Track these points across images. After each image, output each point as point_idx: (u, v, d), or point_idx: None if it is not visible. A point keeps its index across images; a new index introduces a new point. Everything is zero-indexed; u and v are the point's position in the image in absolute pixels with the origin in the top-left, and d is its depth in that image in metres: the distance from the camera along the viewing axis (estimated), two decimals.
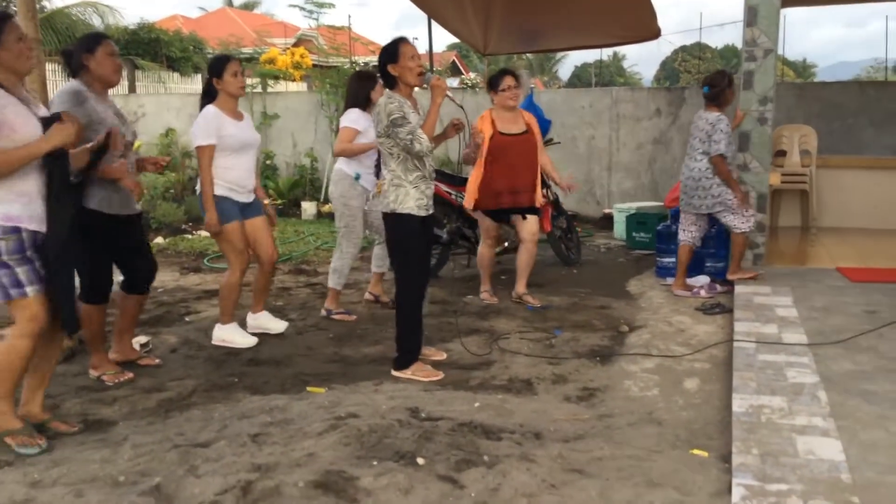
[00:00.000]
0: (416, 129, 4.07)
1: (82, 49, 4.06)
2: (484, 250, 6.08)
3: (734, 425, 3.30)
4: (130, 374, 4.27)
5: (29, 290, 3.24)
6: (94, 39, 4.10)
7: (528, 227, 5.90)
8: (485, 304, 5.90)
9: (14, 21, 3.30)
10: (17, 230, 3.19)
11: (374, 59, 17.21)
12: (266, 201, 5.15)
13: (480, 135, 5.39)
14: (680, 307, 5.64)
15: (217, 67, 4.75)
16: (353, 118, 5.44)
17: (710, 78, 5.98)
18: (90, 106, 3.96)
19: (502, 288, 6.50)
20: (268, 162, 11.36)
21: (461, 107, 4.44)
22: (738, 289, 5.64)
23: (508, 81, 5.71)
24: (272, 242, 5.08)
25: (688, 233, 6.00)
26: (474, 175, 5.77)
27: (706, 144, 5.73)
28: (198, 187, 4.82)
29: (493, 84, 5.84)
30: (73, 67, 4.07)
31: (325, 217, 10.60)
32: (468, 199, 5.83)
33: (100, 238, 4.07)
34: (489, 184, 5.70)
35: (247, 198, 4.87)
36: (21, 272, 3.22)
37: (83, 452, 3.26)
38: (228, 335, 4.92)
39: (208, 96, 4.80)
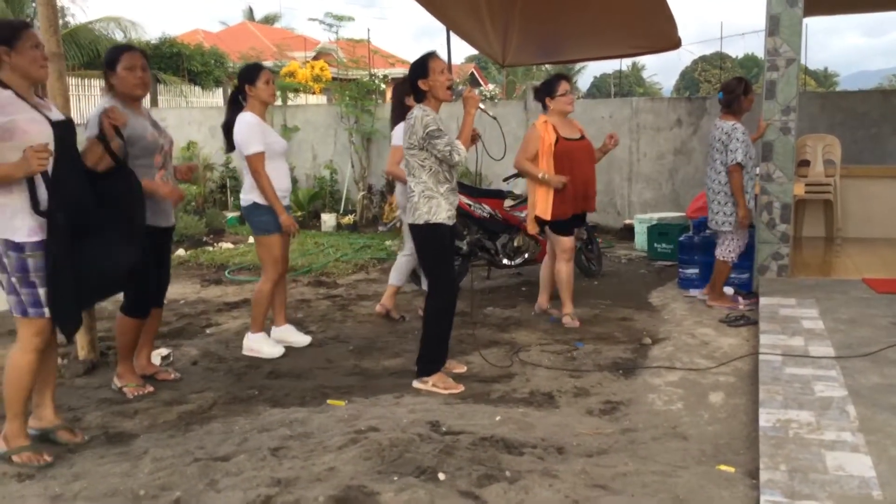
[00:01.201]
0: (454, 140, 4.10)
1: (105, 66, 4.11)
2: (562, 266, 5.70)
3: (761, 440, 3.23)
4: (151, 388, 4.27)
5: (46, 311, 3.25)
6: (115, 55, 4.10)
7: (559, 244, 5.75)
8: (506, 317, 5.86)
9: (32, 30, 3.31)
10: (42, 245, 3.20)
11: (393, 72, 17.30)
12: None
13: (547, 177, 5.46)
14: (703, 319, 5.57)
15: (250, 75, 4.80)
16: (400, 136, 5.44)
17: (726, 84, 5.95)
18: (128, 124, 3.96)
19: (523, 300, 6.46)
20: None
21: (494, 118, 4.44)
22: (763, 301, 5.56)
23: (565, 86, 5.57)
24: (287, 253, 5.15)
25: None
26: (542, 189, 5.54)
27: (723, 154, 5.67)
28: (248, 197, 4.83)
29: (548, 90, 5.61)
30: (107, 84, 4.12)
31: (345, 229, 10.63)
32: (543, 212, 5.55)
33: (146, 250, 4.08)
34: (562, 193, 5.51)
35: (286, 202, 4.96)
36: (43, 293, 3.23)
37: (104, 466, 3.26)
38: (257, 345, 4.95)
39: (236, 103, 4.84)
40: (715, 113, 9.33)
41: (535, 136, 5.49)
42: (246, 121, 4.75)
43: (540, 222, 5.67)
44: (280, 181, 4.85)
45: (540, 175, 5.44)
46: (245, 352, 4.97)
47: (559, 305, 5.85)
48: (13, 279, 3.22)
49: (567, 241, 5.67)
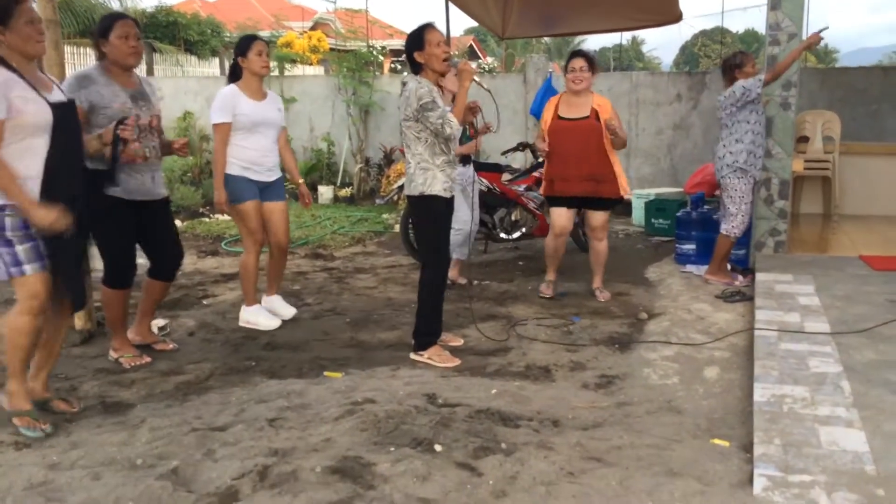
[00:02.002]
0: (447, 113, 4.06)
1: (97, 33, 4.05)
2: (548, 240, 5.77)
3: (756, 415, 3.25)
4: (148, 359, 4.28)
5: (28, 268, 3.23)
6: (108, 23, 4.04)
7: (592, 221, 5.66)
8: (503, 290, 5.86)
9: (26, 4, 3.26)
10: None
11: (391, 43, 17.16)
12: (300, 180, 5.26)
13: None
14: (700, 294, 5.58)
15: (243, 46, 4.80)
16: None
17: (723, 61, 5.93)
18: (94, 90, 3.92)
19: (519, 274, 6.47)
20: (275, 150, 11.33)
21: (489, 91, 4.41)
22: (760, 276, 5.57)
23: (574, 63, 5.45)
24: (286, 229, 5.09)
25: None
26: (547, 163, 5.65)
27: (733, 106, 5.57)
28: None
29: (566, 66, 5.58)
30: (98, 52, 4.06)
31: (342, 201, 10.60)
32: (543, 187, 5.70)
33: (118, 224, 4.05)
34: (551, 168, 5.55)
35: (267, 176, 4.90)
36: (21, 250, 3.21)
37: (101, 435, 3.27)
38: (253, 317, 4.95)
39: (234, 76, 4.83)
40: (715, 88, 9.31)
41: (544, 116, 5.60)
42: (221, 91, 4.76)
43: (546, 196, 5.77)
44: (250, 154, 4.78)
45: (536, 143, 5.50)
46: (241, 324, 4.97)
47: (560, 279, 5.86)
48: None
49: (556, 218, 5.67)
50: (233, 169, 4.74)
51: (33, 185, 3.21)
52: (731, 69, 5.68)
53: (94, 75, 3.97)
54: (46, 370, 3.58)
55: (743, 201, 5.69)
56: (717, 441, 3.20)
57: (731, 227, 5.75)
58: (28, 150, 3.19)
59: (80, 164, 3.46)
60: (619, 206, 9.63)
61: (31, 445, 3.18)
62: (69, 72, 4.58)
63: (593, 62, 5.54)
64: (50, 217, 3.15)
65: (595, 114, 5.45)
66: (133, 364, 4.19)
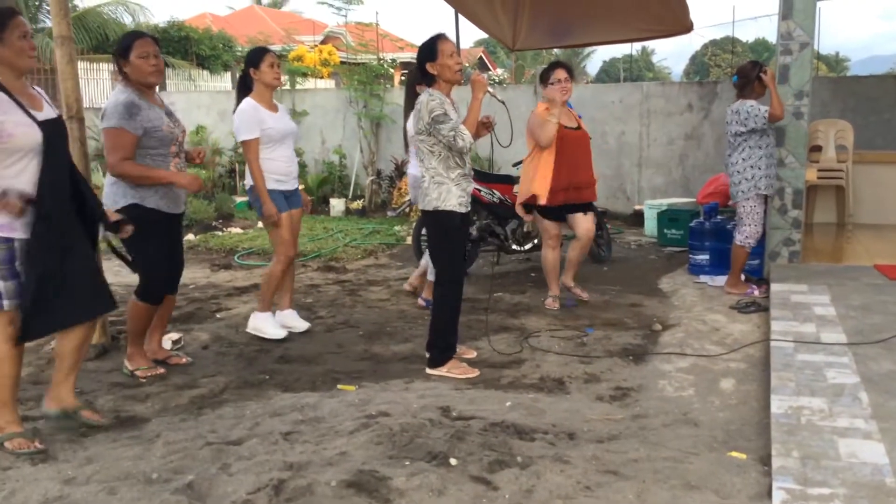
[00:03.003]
0: (459, 125, 4.05)
1: (117, 54, 4.07)
2: (547, 253, 5.80)
3: (773, 427, 3.22)
4: (162, 370, 4.29)
5: (6, 303, 3.19)
6: (127, 44, 4.06)
7: (584, 223, 5.72)
8: (516, 302, 5.85)
9: (20, 18, 3.25)
10: (9, 240, 3.17)
11: (402, 56, 17.24)
12: (301, 187, 5.27)
13: (553, 115, 5.44)
14: (714, 305, 5.55)
15: (254, 58, 4.82)
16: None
17: (740, 68, 5.89)
18: (143, 115, 3.97)
19: (532, 285, 6.46)
20: (297, 159, 11.38)
21: (502, 102, 4.41)
22: (774, 287, 5.54)
23: (559, 74, 5.55)
24: (297, 238, 5.15)
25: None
26: (542, 171, 5.56)
27: (743, 125, 5.56)
28: (246, 181, 4.90)
29: (543, 77, 5.67)
30: (120, 71, 4.09)
31: (354, 214, 10.62)
32: (542, 196, 5.58)
33: (159, 237, 4.08)
34: (556, 178, 5.53)
35: (291, 185, 4.96)
36: (4, 287, 3.18)
37: (116, 449, 3.27)
38: (262, 324, 4.97)
39: (244, 89, 4.85)
40: (726, 98, 9.30)
41: (539, 116, 5.54)
42: (241, 108, 4.77)
43: (528, 207, 5.73)
44: (279, 166, 4.84)
45: (550, 118, 5.46)
46: (249, 329, 5.00)
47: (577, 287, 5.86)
48: None
49: (551, 228, 5.73)
50: (268, 183, 4.77)
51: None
52: (752, 80, 5.63)
53: (136, 101, 3.99)
54: (73, 379, 3.55)
55: (759, 215, 5.71)
56: (734, 454, 3.17)
57: (745, 237, 5.73)
58: (14, 172, 3.17)
59: (66, 181, 3.36)
60: (632, 218, 9.69)
61: (46, 461, 3.19)
62: (83, 87, 4.62)
63: (573, 72, 5.77)
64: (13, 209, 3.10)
65: (580, 124, 5.77)
66: (148, 375, 4.20)
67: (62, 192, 3.32)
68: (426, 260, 5.90)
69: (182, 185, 4.08)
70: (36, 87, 3.45)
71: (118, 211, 3.83)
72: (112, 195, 3.99)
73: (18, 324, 3.24)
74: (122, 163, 3.91)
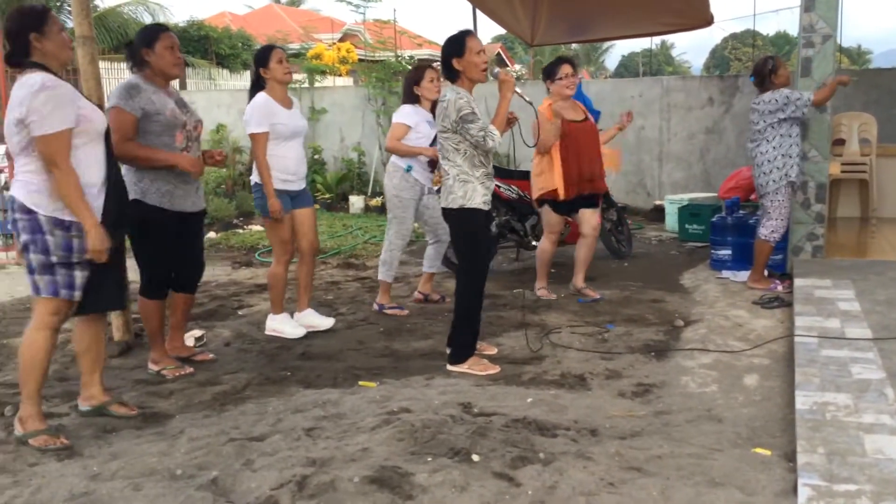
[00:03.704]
0: (488, 125, 4.04)
1: (141, 43, 4.07)
2: (546, 245, 5.91)
3: (798, 423, 3.19)
4: (191, 369, 4.30)
5: (77, 294, 3.30)
6: (153, 33, 4.10)
7: (591, 220, 5.78)
8: (536, 299, 5.84)
9: (53, 13, 3.35)
10: (69, 226, 3.24)
11: (419, 53, 17.19)
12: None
13: (555, 122, 5.45)
14: (737, 301, 5.51)
15: (262, 57, 4.82)
16: (405, 113, 5.47)
17: (755, 65, 5.87)
18: (145, 98, 3.97)
19: (553, 282, 6.43)
20: (315, 157, 11.42)
21: (530, 103, 4.39)
22: (798, 282, 5.48)
23: (565, 70, 5.61)
24: (315, 233, 5.14)
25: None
26: (556, 166, 5.58)
27: (773, 116, 5.52)
28: (252, 177, 4.87)
29: (549, 73, 5.71)
30: (135, 62, 4.09)
31: (373, 211, 10.63)
32: (560, 189, 5.60)
33: (159, 234, 4.09)
34: (567, 172, 5.56)
35: (298, 185, 4.93)
36: (80, 276, 3.28)
37: (141, 445, 3.30)
38: (279, 325, 4.98)
39: (257, 87, 4.84)
40: (747, 91, 9.21)
41: (542, 117, 5.52)
42: (254, 101, 4.77)
43: (541, 201, 5.75)
44: (287, 164, 4.80)
45: (550, 126, 5.48)
46: (267, 332, 5.01)
47: (592, 286, 5.84)
48: (53, 258, 3.22)
49: (557, 221, 5.79)
50: (273, 183, 4.73)
51: (98, 193, 3.29)
52: (768, 75, 5.61)
53: (140, 84, 4.01)
54: (98, 373, 3.61)
55: (787, 209, 5.67)
56: (758, 450, 3.15)
57: (770, 231, 5.69)
58: (92, 156, 3.29)
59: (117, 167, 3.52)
60: (652, 213, 9.64)
61: (72, 456, 3.22)
62: (104, 86, 4.65)
63: (577, 67, 5.85)
64: (103, 245, 3.21)
65: (587, 115, 5.79)
66: (176, 375, 4.23)
67: (118, 178, 3.46)
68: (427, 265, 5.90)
69: (184, 168, 4.01)
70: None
71: None
72: None
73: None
74: (124, 143, 3.87)
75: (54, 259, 3.23)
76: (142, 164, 3.98)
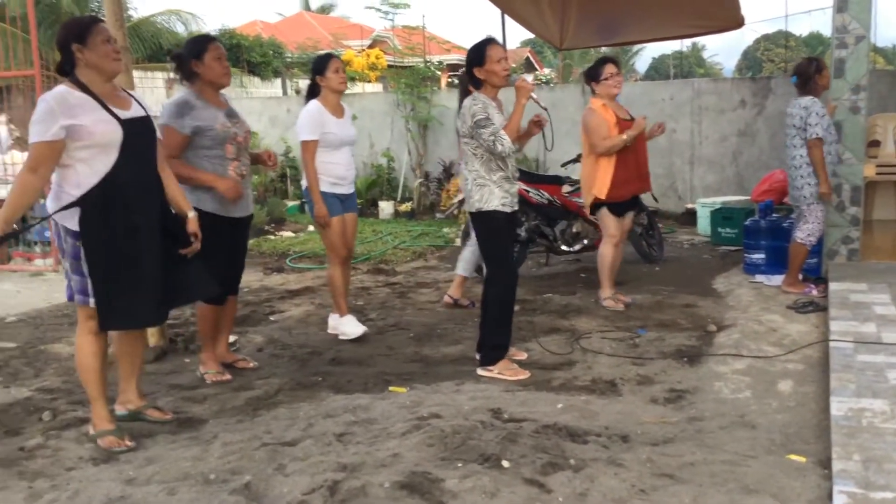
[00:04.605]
0: (499, 130, 4.06)
1: (191, 55, 4.12)
2: (608, 250, 5.70)
3: (833, 429, 3.15)
4: (229, 376, 4.35)
5: (91, 300, 3.33)
6: (202, 44, 4.15)
7: (627, 223, 5.80)
8: (566, 304, 5.81)
9: (102, 24, 3.39)
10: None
11: (448, 58, 17.16)
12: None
13: (623, 137, 5.43)
14: (770, 305, 5.44)
15: (320, 65, 4.88)
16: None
17: (797, 66, 5.79)
18: (196, 115, 4.03)
19: (582, 286, 6.41)
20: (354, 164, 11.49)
21: (545, 109, 4.40)
22: (833, 286, 5.40)
23: (610, 69, 5.56)
24: (353, 239, 5.22)
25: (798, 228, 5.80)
26: (602, 169, 5.53)
27: (802, 130, 5.51)
28: (303, 182, 4.94)
29: (593, 75, 5.65)
30: (184, 73, 4.15)
31: (403, 216, 10.68)
32: (600, 191, 5.55)
33: (216, 239, 4.16)
34: (625, 171, 5.52)
35: (347, 189, 5.02)
36: (92, 284, 3.31)
37: (175, 450, 3.35)
38: (342, 326, 5.09)
39: (313, 94, 4.92)
40: (780, 93, 9.11)
41: (600, 117, 5.48)
42: (307, 108, 4.84)
43: (596, 204, 5.64)
44: (337, 169, 4.89)
45: (624, 137, 5.43)
46: (329, 331, 5.13)
47: (623, 291, 5.80)
48: (66, 264, 3.35)
49: (619, 223, 5.68)
50: (323, 185, 4.83)
51: (76, 194, 3.25)
52: (812, 76, 5.55)
53: (191, 100, 4.07)
54: (135, 378, 3.67)
55: (823, 212, 5.62)
56: (793, 456, 3.11)
57: (807, 235, 5.62)
58: (97, 168, 3.27)
59: (153, 177, 3.49)
60: (684, 216, 9.54)
61: (108, 461, 3.28)
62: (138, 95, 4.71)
63: (620, 66, 5.82)
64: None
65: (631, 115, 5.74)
66: (214, 380, 4.29)
67: (146, 190, 3.43)
68: (462, 267, 5.90)
69: (222, 192, 4.08)
70: (127, 91, 3.54)
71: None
72: None
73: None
74: (170, 160, 3.90)
75: (67, 265, 3.35)
76: (184, 182, 4.05)
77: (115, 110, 3.33)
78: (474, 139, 4.13)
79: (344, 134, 4.92)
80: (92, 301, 3.32)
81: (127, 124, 3.33)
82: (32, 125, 3.19)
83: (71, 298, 3.40)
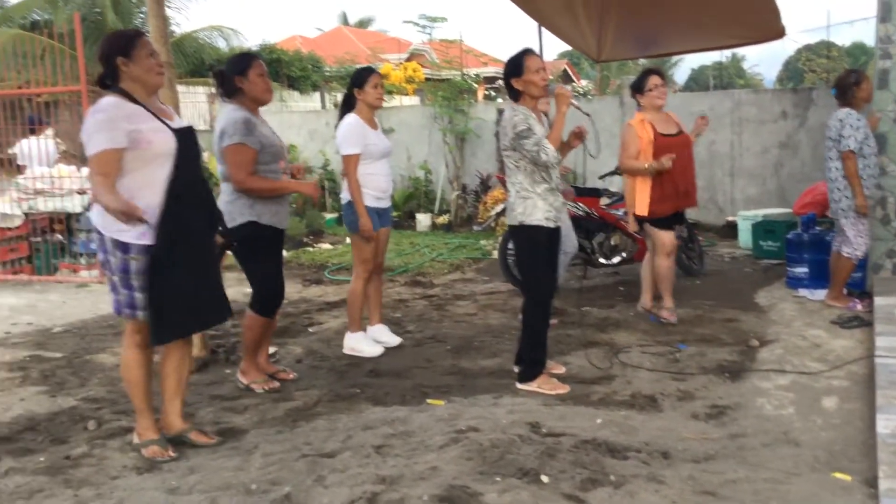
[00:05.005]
0: (542, 139, 4.05)
1: (234, 71, 4.20)
2: (666, 262, 5.57)
3: (879, 447, 3.09)
4: (277, 384, 4.40)
5: (140, 314, 3.36)
6: (246, 61, 4.24)
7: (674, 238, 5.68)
8: (605, 317, 5.78)
9: (146, 38, 3.44)
10: (150, 248, 3.31)
11: (485, 71, 17.18)
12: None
13: (653, 165, 5.34)
14: (814, 320, 5.35)
15: (360, 78, 4.92)
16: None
17: (837, 78, 5.73)
18: (260, 132, 4.14)
19: (621, 300, 6.36)
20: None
21: (588, 115, 4.39)
22: (878, 300, 5.29)
23: (655, 80, 5.50)
24: (384, 252, 5.26)
25: (836, 240, 5.70)
26: (639, 186, 5.46)
27: (838, 143, 5.45)
28: (343, 195, 4.98)
29: (637, 87, 5.61)
30: (227, 89, 4.22)
31: (440, 229, 10.70)
32: (640, 209, 5.48)
33: (272, 251, 4.23)
34: (661, 189, 5.43)
35: (386, 203, 5.06)
36: (140, 297, 3.34)
37: (217, 460, 3.39)
38: (357, 343, 5.05)
39: (347, 106, 4.96)
40: (823, 104, 8.98)
41: (633, 134, 5.43)
42: (347, 122, 4.87)
43: (639, 220, 5.57)
44: (378, 182, 4.93)
45: (646, 166, 5.35)
46: (346, 350, 5.07)
47: (660, 304, 5.74)
48: (115, 278, 3.35)
49: (668, 237, 5.56)
50: (366, 200, 4.85)
51: (152, 213, 3.28)
52: (850, 87, 5.48)
53: (250, 117, 4.14)
54: (178, 399, 3.63)
55: (864, 224, 5.52)
56: (838, 475, 3.05)
57: (853, 249, 5.52)
58: (150, 178, 3.31)
59: (203, 188, 3.56)
60: (725, 229, 9.42)
61: (151, 470, 3.33)
62: (183, 110, 4.82)
63: (665, 78, 5.74)
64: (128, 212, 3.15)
65: (681, 128, 5.62)
66: (265, 388, 4.34)
67: (195, 199, 3.48)
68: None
69: (307, 194, 4.36)
70: (163, 104, 3.60)
71: (235, 228, 4.02)
72: (229, 213, 4.09)
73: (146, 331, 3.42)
74: (250, 178, 4.07)
75: (115, 279, 3.35)
76: (268, 194, 4.14)
77: (165, 120, 3.39)
78: (516, 151, 4.11)
79: (384, 145, 4.97)
80: (140, 314, 3.36)
81: (178, 134, 3.39)
82: (93, 135, 3.20)
83: (119, 312, 3.43)
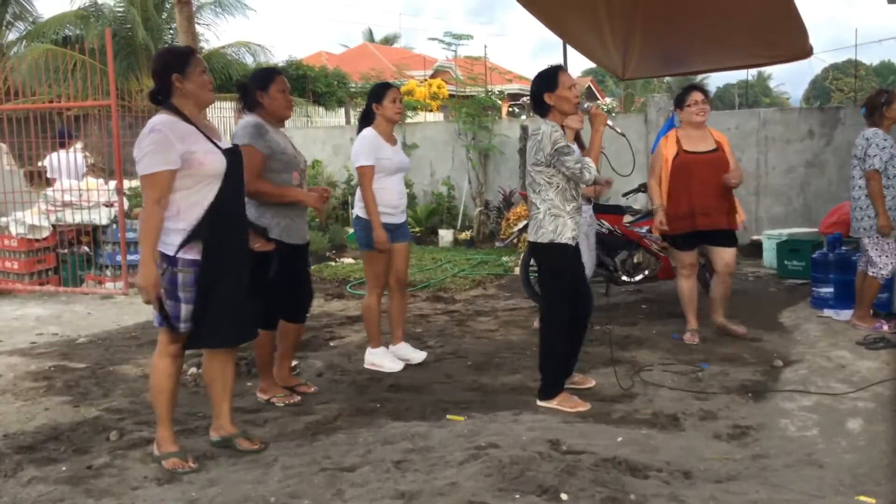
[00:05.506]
0: (585, 158, 4.07)
1: (256, 86, 4.25)
2: (680, 283, 5.63)
3: None
4: (298, 398, 4.42)
5: (183, 325, 3.40)
6: (268, 76, 4.29)
7: (724, 258, 5.54)
8: (626, 335, 5.74)
9: (199, 55, 3.50)
10: (196, 263, 3.35)
11: (509, 88, 17.23)
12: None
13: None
14: (839, 341, 5.28)
15: (378, 93, 4.96)
16: None
17: (867, 98, 5.71)
18: (270, 137, 4.18)
19: (643, 318, 6.32)
20: (406, 190, 11.60)
21: (623, 135, 4.39)
22: None
23: (695, 97, 5.47)
24: (406, 266, 5.25)
25: (862, 260, 5.64)
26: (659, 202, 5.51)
27: (863, 162, 5.41)
28: (355, 210, 5.00)
29: (679, 101, 5.60)
30: (248, 103, 4.27)
31: (462, 244, 10.71)
32: (655, 229, 5.53)
33: (277, 266, 4.25)
34: (675, 205, 5.42)
35: (399, 218, 5.06)
36: (185, 309, 3.37)
37: (237, 472, 3.40)
38: (378, 359, 5.06)
39: (366, 120, 5.00)
40: (850, 124, 8.91)
41: (658, 153, 5.45)
42: (362, 135, 4.91)
43: (662, 237, 5.59)
44: (390, 197, 4.93)
45: (656, 204, 5.44)
46: (367, 366, 5.08)
47: (680, 323, 5.70)
48: (162, 290, 3.36)
49: (683, 257, 5.54)
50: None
51: (179, 226, 3.32)
52: (880, 107, 5.44)
53: (262, 124, 4.19)
54: (227, 403, 3.68)
55: (890, 245, 5.45)
56: (862, 498, 3.00)
57: (878, 269, 5.46)
58: (199, 197, 3.35)
59: (242, 203, 3.62)
60: (749, 248, 9.35)
61: (171, 481, 3.34)
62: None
63: (708, 95, 5.66)
64: (148, 282, 3.24)
65: (720, 147, 5.50)
66: (286, 403, 4.35)
67: (239, 217, 3.55)
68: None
69: (311, 205, 4.28)
70: (208, 121, 3.65)
71: None
72: None
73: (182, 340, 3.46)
74: (257, 181, 4.08)
75: (162, 290, 3.35)
76: (271, 200, 4.16)
77: (215, 141, 3.44)
78: (551, 167, 4.09)
79: (399, 160, 4.98)
80: (182, 326, 3.39)
81: (227, 154, 3.44)
82: (147, 155, 3.23)
83: (161, 324, 3.42)
